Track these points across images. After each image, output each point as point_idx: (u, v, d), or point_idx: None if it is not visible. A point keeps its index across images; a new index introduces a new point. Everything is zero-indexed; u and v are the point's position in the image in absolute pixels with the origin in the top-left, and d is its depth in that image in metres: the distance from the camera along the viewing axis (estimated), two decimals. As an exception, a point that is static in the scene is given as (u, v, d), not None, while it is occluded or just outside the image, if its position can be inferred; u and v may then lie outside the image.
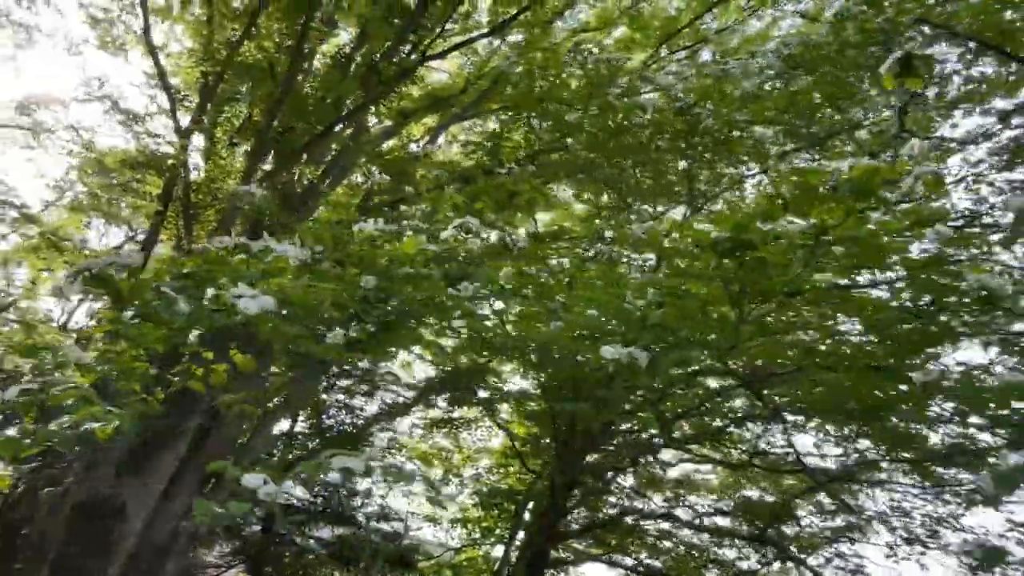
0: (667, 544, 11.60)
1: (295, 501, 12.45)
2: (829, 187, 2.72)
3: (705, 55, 10.28)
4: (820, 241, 2.64)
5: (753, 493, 10.79)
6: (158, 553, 7.67)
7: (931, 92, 5.80)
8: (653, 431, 7.63)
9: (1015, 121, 5.85)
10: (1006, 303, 2.64)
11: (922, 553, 7.67)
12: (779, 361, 4.35)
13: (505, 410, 12.16)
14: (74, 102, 7.70)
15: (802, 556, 9.04)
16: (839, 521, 9.14)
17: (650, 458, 9.47)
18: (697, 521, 10.00)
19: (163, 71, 7.50)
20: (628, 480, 10.88)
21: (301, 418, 13.31)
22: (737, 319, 3.07)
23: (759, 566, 9.59)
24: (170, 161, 7.26)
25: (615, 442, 7.83)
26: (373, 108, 9.31)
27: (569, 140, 6.52)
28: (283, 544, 12.07)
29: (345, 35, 10.04)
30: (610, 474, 10.81)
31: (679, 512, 10.54)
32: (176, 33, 8.27)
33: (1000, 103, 5.97)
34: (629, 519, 9.73)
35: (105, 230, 10.03)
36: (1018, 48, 4.63)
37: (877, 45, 4.79)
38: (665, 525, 11.25)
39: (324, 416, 13.29)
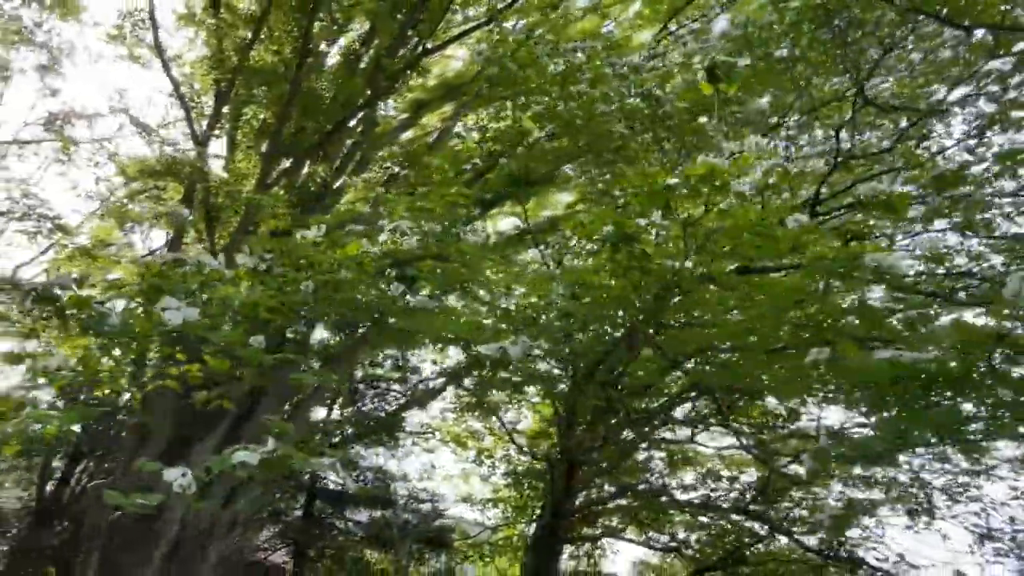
0: (703, 520, 11.67)
1: (334, 485, 12.96)
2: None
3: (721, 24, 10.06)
4: (690, 232, 2.69)
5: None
6: (200, 539, 8.12)
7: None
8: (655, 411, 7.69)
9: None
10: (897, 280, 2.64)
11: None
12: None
13: (535, 391, 12.34)
14: (99, 116, 8.09)
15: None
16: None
17: (665, 435, 9.54)
18: (706, 500, 10.05)
19: (176, 81, 7.78)
20: (642, 458, 10.91)
21: (338, 405, 13.77)
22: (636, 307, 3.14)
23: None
24: (188, 168, 7.53)
25: (619, 421, 7.89)
26: (382, 103, 9.47)
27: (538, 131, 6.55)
28: (324, 527, 12.56)
29: (356, 32, 10.18)
30: (643, 454, 10.92)
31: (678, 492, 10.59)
32: (189, 42, 8.53)
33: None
34: (621, 500, 9.89)
35: (147, 234, 10.44)
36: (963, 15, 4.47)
37: (817, 22, 4.69)
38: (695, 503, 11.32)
39: (361, 404, 13.67)
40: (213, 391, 4.00)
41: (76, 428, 13.66)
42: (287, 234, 5.77)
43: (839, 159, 4.90)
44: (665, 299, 3.38)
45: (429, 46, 8.57)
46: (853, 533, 8.75)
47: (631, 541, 11.63)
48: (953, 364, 2.58)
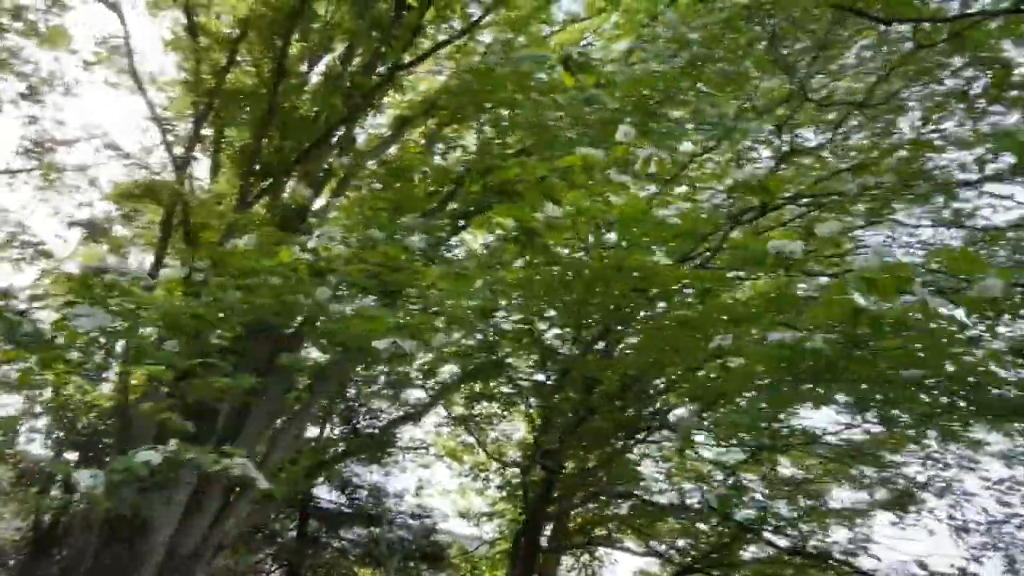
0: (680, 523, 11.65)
1: (329, 503, 12.93)
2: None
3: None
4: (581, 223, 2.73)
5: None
6: (187, 562, 8.07)
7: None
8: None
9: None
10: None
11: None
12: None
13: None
14: (79, 142, 8.17)
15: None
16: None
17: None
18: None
19: (153, 106, 7.87)
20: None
21: (334, 422, 13.78)
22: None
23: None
24: (166, 192, 7.59)
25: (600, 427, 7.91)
26: (363, 120, 9.55)
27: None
28: (319, 547, 12.51)
29: (337, 51, 10.28)
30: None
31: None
32: (167, 67, 8.63)
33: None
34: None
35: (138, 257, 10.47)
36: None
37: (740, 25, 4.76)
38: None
39: (356, 421, 13.65)
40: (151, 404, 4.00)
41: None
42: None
43: (781, 156, 4.95)
44: (600, 295, 3.41)
45: (406, 61, 8.64)
46: (841, 536, 8.75)
47: (617, 548, 11.58)
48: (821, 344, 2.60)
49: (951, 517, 7.79)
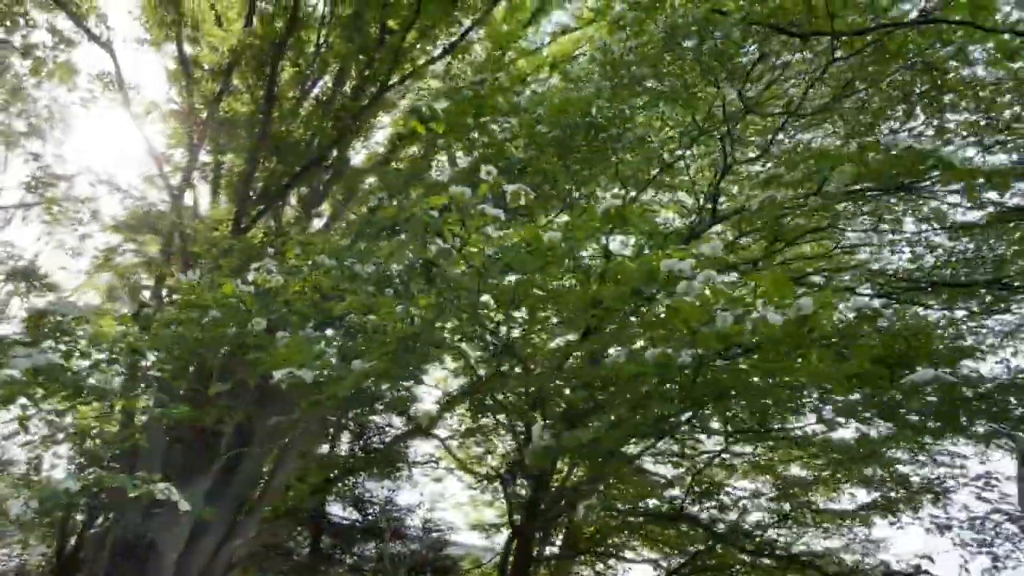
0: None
1: (340, 519, 13.00)
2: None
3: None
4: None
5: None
6: (196, 582, 8.19)
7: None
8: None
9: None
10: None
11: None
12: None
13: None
14: (79, 176, 8.41)
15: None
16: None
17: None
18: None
19: (147, 138, 8.08)
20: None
21: (345, 439, 13.90)
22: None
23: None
24: (163, 221, 7.77)
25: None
26: (354, 140, 9.70)
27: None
28: (332, 562, 12.58)
29: (329, 75, 10.46)
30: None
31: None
32: (162, 100, 8.85)
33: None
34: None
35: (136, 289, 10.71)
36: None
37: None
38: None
39: (367, 436, 13.75)
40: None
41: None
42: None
43: (725, 167, 4.96)
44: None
45: (392, 82, 8.77)
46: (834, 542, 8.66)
47: (617, 556, 11.56)
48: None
49: (933, 515, 7.72)
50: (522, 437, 7.30)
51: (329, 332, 4.35)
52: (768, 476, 12.10)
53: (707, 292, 2.73)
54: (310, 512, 11.94)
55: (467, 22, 8.08)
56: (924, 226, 6.43)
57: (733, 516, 12.31)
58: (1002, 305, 6.15)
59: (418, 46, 8.61)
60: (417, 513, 13.22)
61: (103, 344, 3.68)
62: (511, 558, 8.10)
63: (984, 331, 6.76)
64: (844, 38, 4.57)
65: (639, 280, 3.03)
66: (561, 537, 12.30)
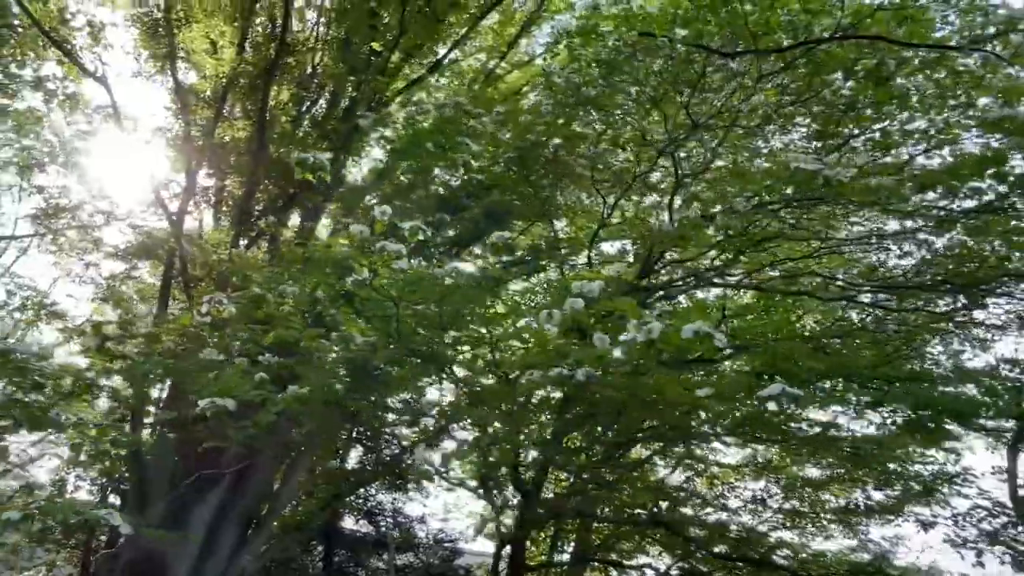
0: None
1: (352, 532, 13.07)
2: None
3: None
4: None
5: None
6: (206, 599, 8.30)
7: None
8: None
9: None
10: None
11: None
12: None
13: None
14: (83, 208, 8.63)
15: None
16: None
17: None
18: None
19: (146, 167, 8.28)
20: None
21: (356, 453, 13.99)
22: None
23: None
24: (164, 246, 7.94)
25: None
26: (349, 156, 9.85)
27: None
28: (345, 575, 12.65)
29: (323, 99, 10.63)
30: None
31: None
32: (158, 127, 9.07)
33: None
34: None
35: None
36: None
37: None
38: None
39: (379, 448, 13.82)
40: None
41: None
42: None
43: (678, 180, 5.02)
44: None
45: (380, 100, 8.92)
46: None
47: (617, 564, 11.56)
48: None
49: (916, 513, 7.69)
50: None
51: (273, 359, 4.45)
52: (777, 474, 12.08)
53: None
54: (322, 526, 12.02)
55: (455, 38, 8.19)
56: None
57: (746, 518, 12.28)
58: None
59: (405, 66, 8.75)
60: (427, 524, 13.28)
61: (64, 379, 3.81)
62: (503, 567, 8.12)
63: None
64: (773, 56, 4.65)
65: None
66: (572, 544, 12.29)
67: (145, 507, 8.38)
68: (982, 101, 4.77)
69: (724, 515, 12.81)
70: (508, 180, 6.08)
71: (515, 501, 8.90)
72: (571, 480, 9.00)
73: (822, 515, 11.85)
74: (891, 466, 9.44)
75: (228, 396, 3.47)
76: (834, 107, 5.40)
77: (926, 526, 7.46)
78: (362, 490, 12.80)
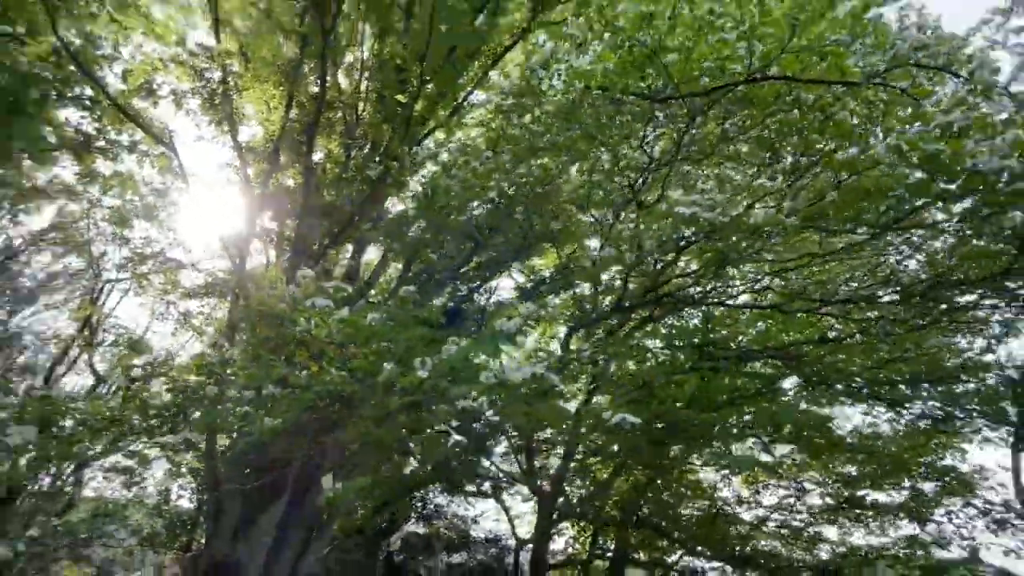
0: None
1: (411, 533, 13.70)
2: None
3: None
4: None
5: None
6: (274, 598, 9.04)
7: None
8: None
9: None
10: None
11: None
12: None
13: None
14: (162, 255, 9.61)
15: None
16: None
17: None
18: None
19: (212, 216, 9.17)
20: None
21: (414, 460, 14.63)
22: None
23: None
24: (229, 286, 8.73)
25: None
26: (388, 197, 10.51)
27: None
28: (403, 574, 13.27)
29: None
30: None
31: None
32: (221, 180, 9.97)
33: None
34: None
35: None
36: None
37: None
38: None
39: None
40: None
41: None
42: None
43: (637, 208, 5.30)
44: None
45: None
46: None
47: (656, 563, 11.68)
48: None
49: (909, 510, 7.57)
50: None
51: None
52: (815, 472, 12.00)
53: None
54: (384, 529, 12.68)
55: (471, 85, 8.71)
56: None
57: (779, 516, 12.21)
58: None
59: (430, 113, 9.31)
60: (479, 524, 13.76)
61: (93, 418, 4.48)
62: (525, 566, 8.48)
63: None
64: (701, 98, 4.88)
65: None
66: (612, 542, 12.52)
67: (221, 516, 9.22)
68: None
69: (761, 511, 12.78)
70: (497, 218, 6.52)
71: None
72: (590, 486, 9.29)
73: (860, 511, 11.69)
74: (924, 462, 9.34)
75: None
76: (780, 135, 5.58)
77: (920, 522, 7.41)
78: (419, 494, 13.40)
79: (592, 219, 6.90)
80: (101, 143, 11.26)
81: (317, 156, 9.64)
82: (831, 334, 7.90)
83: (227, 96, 9.08)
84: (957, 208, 4.05)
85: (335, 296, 4.15)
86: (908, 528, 10.26)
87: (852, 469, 11.28)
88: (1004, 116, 3.54)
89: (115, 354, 9.77)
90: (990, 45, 4.56)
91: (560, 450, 10.01)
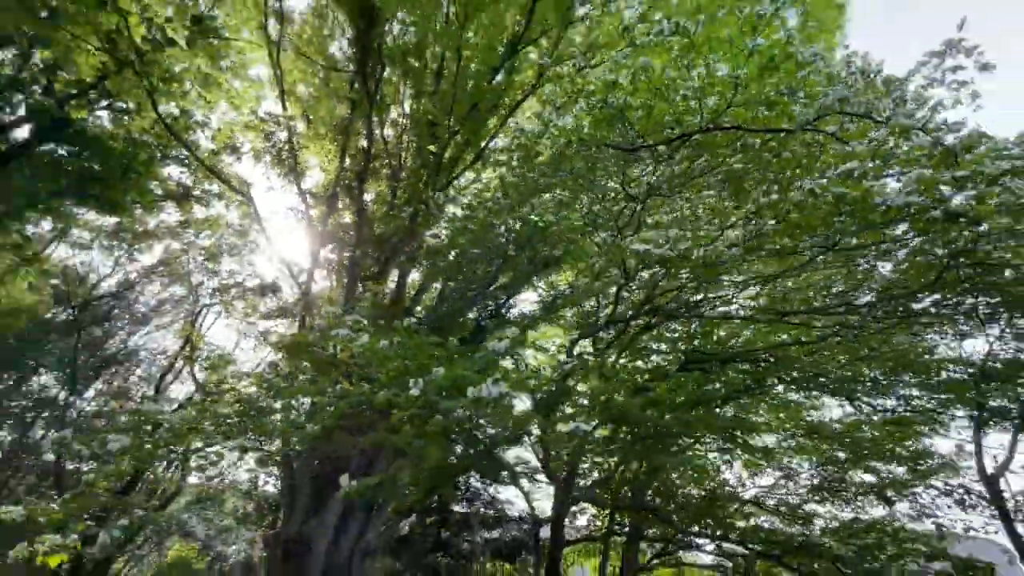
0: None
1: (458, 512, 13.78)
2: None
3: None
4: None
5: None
6: (340, 570, 9.22)
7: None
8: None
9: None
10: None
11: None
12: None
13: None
14: (243, 285, 10.05)
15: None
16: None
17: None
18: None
19: (282, 257, 9.56)
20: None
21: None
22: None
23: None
24: (296, 310, 9.03)
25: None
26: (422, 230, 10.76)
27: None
28: (450, 548, 13.32)
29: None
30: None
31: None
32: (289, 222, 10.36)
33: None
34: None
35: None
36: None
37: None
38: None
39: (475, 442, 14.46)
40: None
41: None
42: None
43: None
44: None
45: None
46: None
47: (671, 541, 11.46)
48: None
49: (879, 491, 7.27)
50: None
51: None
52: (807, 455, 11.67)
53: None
54: (433, 508, 12.80)
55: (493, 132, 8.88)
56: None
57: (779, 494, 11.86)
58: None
59: (459, 158, 9.51)
60: (514, 505, 13.76)
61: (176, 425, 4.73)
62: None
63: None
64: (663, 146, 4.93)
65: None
66: (628, 522, 12.35)
67: (295, 499, 9.48)
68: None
69: (757, 491, 12.46)
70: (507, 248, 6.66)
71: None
72: (600, 474, 9.22)
73: (849, 490, 11.31)
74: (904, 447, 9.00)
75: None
76: (736, 175, 5.59)
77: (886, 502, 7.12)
78: (462, 479, 13.50)
79: (593, 245, 6.98)
80: (197, 192, 11.87)
81: (368, 196, 9.93)
82: (815, 334, 7.77)
83: (292, 152, 9.46)
84: (899, 231, 3.99)
85: (354, 327, 4.30)
86: (880, 507, 9.88)
87: (841, 454, 10.95)
88: (924, 152, 3.49)
89: (209, 366, 10.22)
90: (929, 83, 4.49)
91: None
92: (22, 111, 11.56)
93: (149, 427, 4.97)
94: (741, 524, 11.82)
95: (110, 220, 13.59)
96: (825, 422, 10.28)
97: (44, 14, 9.14)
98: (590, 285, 6.24)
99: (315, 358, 4.37)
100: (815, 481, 11.66)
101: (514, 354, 11.28)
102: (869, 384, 6.86)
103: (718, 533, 11.08)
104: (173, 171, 12.51)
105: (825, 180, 3.52)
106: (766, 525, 12.04)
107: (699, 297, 6.76)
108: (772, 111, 4.51)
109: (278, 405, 4.99)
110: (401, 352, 4.00)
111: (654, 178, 5.73)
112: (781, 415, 11.25)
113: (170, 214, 12.63)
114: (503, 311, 10.39)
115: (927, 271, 4.17)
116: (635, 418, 5.84)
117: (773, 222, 4.05)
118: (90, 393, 17.82)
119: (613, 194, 6.31)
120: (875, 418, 7.96)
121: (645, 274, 5.80)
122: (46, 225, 14.49)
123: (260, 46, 9.10)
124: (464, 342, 10.60)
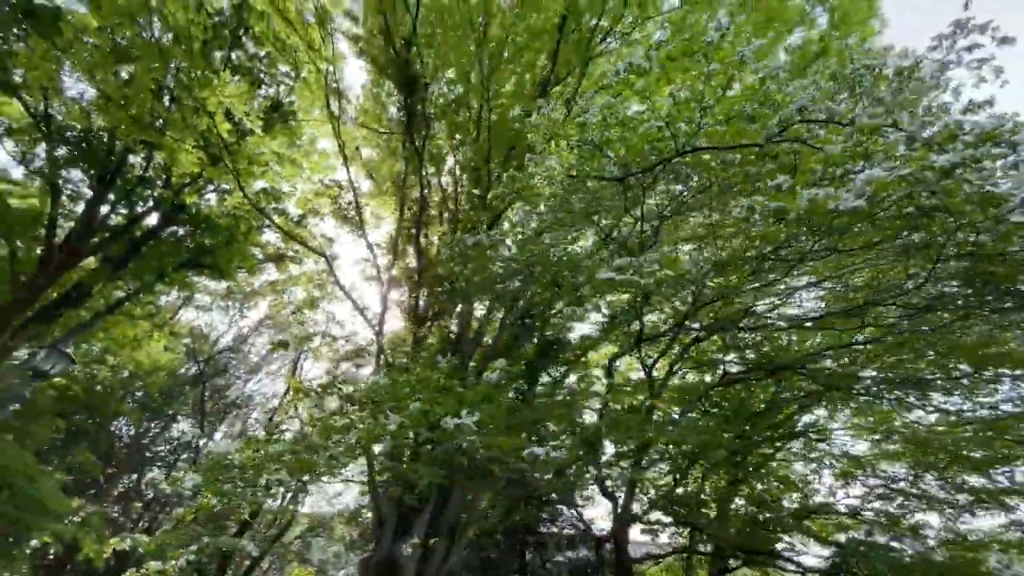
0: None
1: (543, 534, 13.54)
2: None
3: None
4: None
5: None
6: (425, 593, 9.37)
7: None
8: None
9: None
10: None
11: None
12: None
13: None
14: (327, 329, 10.84)
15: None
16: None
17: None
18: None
19: (355, 301, 10.17)
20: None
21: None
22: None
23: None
24: (371, 351, 9.55)
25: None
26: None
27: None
28: (531, 570, 13.09)
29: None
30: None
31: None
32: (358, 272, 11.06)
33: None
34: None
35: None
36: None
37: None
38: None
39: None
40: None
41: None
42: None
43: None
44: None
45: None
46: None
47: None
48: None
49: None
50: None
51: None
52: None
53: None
54: (517, 530, 12.71)
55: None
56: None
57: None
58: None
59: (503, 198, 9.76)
60: (595, 524, 13.35)
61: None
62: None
63: None
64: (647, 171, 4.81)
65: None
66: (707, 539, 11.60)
67: (383, 525, 9.82)
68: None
69: (854, 501, 11.34)
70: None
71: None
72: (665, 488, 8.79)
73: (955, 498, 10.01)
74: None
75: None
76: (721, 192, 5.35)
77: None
78: (543, 500, 13.35)
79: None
80: (289, 253, 12.99)
81: (433, 239, 10.41)
82: (889, 333, 7.11)
83: (358, 210, 10.14)
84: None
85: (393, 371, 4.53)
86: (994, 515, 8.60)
87: (943, 458, 9.76)
88: (902, 148, 3.19)
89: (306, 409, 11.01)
90: (945, 66, 4.12)
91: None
92: (150, 203, 13.32)
93: (258, 464, 5.46)
94: (840, 537, 10.78)
95: (222, 284, 15.12)
96: (916, 425, 9.28)
97: (159, 123, 10.60)
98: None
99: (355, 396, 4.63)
100: (914, 490, 10.44)
101: (579, 373, 11.20)
102: (965, 381, 6.14)
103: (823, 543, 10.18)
104: (271, 236, 13.84)
105: (761, 197, 3.34)
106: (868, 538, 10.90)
107: (744, 307, 6.45)
108: (754, 124, 4.34)
109: (321, 442, 5.31)
110: (420, 390, 4.16)
111: (653, 202, 5.65)
112: (870, 419, 10.28)
113: (270, 274, 13.89)
114: (563, 336, 10.39)
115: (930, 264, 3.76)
116: (687, 441, 5.63)
117: (741, 239, 3.87)
118: (218, 435, 19.61)
119: (616, 222, 6.26)
120: (978, 415, 7.07)
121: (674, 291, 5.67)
122: (174, 294, 16.39)
123: (323, 122, 9.96)
124: (530, 367, 10.67)
